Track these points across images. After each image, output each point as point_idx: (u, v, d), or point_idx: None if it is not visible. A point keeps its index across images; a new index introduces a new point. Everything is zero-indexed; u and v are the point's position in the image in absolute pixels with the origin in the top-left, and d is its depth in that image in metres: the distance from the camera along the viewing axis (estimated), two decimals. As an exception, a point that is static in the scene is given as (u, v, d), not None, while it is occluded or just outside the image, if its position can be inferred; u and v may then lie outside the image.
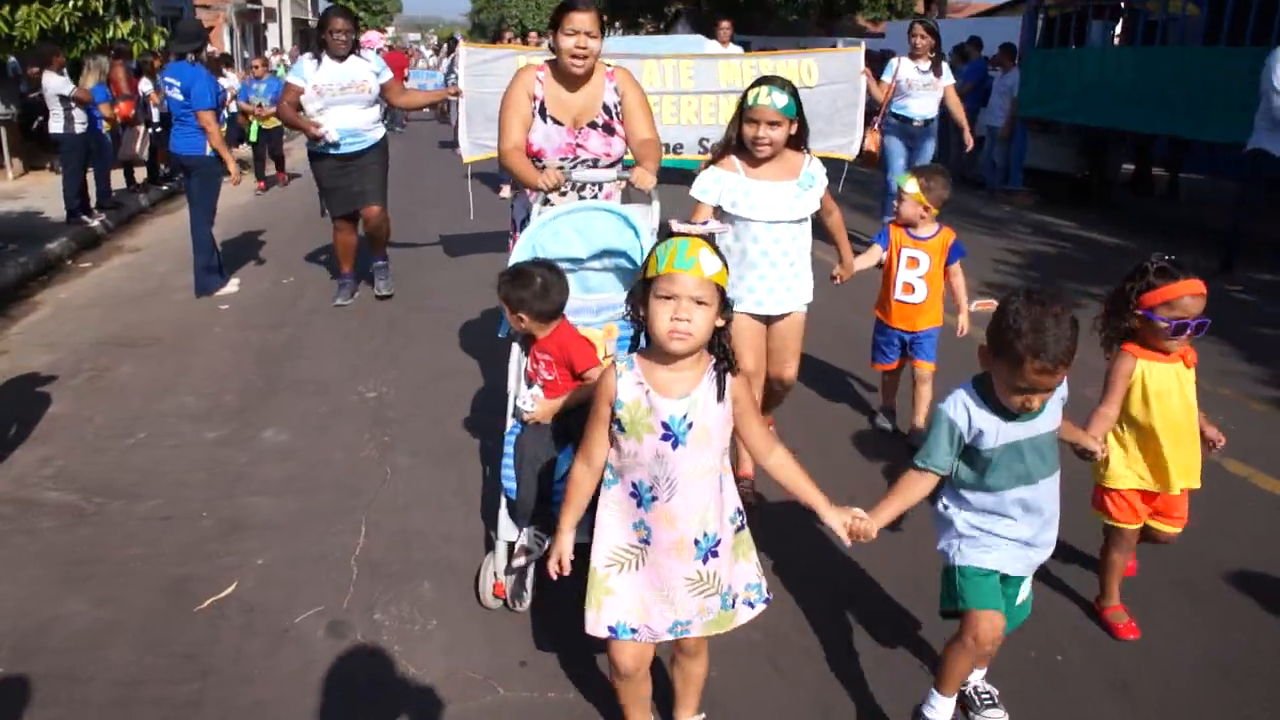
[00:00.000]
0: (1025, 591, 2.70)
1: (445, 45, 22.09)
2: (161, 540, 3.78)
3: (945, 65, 8.86)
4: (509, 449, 3.28)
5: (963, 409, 2.47)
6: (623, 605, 2.35)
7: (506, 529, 3.30)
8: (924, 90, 8.65)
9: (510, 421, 3.38)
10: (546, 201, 3.82)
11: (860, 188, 10.00)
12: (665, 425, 2.24)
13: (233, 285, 7.56)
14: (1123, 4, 11.82)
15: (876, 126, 8.66)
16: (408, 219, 9.49)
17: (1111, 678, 3.04)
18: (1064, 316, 2.27)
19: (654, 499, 2.29)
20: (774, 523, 3.79)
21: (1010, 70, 12.98)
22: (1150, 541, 3.29)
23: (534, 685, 2.95)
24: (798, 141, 3.83)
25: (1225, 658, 3.13)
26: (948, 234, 4.55)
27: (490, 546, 3.45)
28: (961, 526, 2.59)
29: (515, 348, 3.43)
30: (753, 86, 3.72)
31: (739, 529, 2.43)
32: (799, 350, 4.10)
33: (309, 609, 3.32)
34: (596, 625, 2.36)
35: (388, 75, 6.70)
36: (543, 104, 4.21)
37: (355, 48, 6.56)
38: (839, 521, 2.41)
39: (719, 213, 3.77)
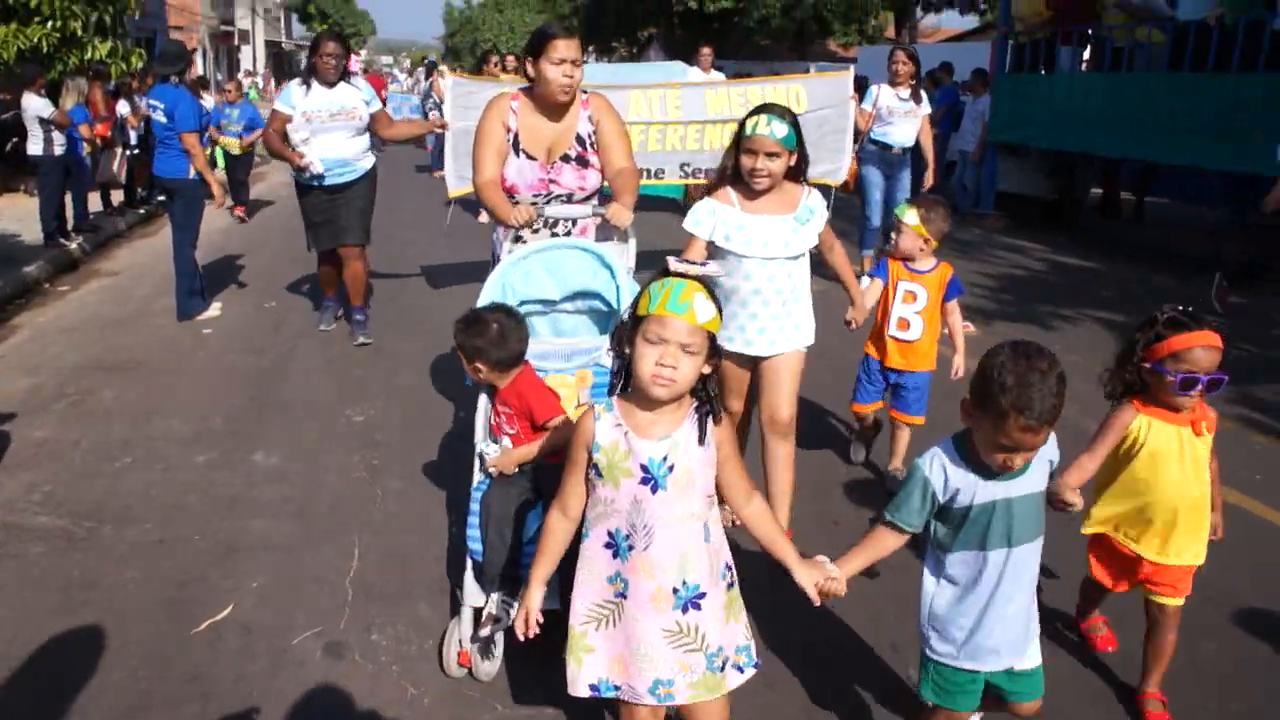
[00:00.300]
0: (1031, 663, 2.51)
1: (423, 68, 22.07)
2: (156, 563, 3.80)
3: (923, 93, 8.88)
4: (475, 506, 3.13)
5: (939, 468, 2.36)
6: (603, 662, 2.28)
7: (473, 594, 3.10)
8: (905, 118, 8.61)
9: (477, 476, 3.22)
10: (519, 239, 3.72)
11: (834, 212, 10.14)
12: (644, 468, 2.18)
13: (215, 309, 7.57)
14: (1090, 31, 12.09)
15: (854, 154, 8.54)
16: (387, 241, 9.54)
17: (1092, 688, 3.14)
18: (1050, 372, 2.17)
19: (631, 548, 2.21)
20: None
21: (982, 95, 13.22)
22: (1150, 619, 3.01)
23: (532, 702, 3.00)
24: (796, 173, 3.66)
25: (1200, 668, 3.23)
26: (946, 269, 4.37)
27: (456, 608, 3.29)
28: (931, 610, 2.49)
29: (482, 398, 3.29)
30: (751, 115, 3.55)
31: (730, 586, 2.35)
32: (794, 393, 3.82)
33: (306, 630, 3.35)
34: (577, 684, 2.29)
35: (378, 105, 6.56)
36: (516, 136, 4.10)
37: (345, 74, 6.43)
38: (809, 581, 2.34)
39: (711, 247, 3.65)
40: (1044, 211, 13.09)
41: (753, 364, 3.80)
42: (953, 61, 15.28)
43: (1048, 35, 12.32)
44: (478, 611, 3.09)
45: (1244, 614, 3.58)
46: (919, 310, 4.34)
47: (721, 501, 2.36)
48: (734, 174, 3.63)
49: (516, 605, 2.90)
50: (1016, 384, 2.14)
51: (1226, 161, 9.80)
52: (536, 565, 2.37)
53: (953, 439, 2.40)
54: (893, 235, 4.42)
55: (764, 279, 3.64)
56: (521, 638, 2.33)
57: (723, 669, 2.28)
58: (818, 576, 2.36)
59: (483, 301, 3.32)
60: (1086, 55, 12.58)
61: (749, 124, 3.52)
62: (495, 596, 3.04)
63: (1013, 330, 7.44)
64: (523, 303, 3.42)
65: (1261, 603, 3.67)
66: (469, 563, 3.12)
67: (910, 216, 4.30)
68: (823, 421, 5.40)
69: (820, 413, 5.49)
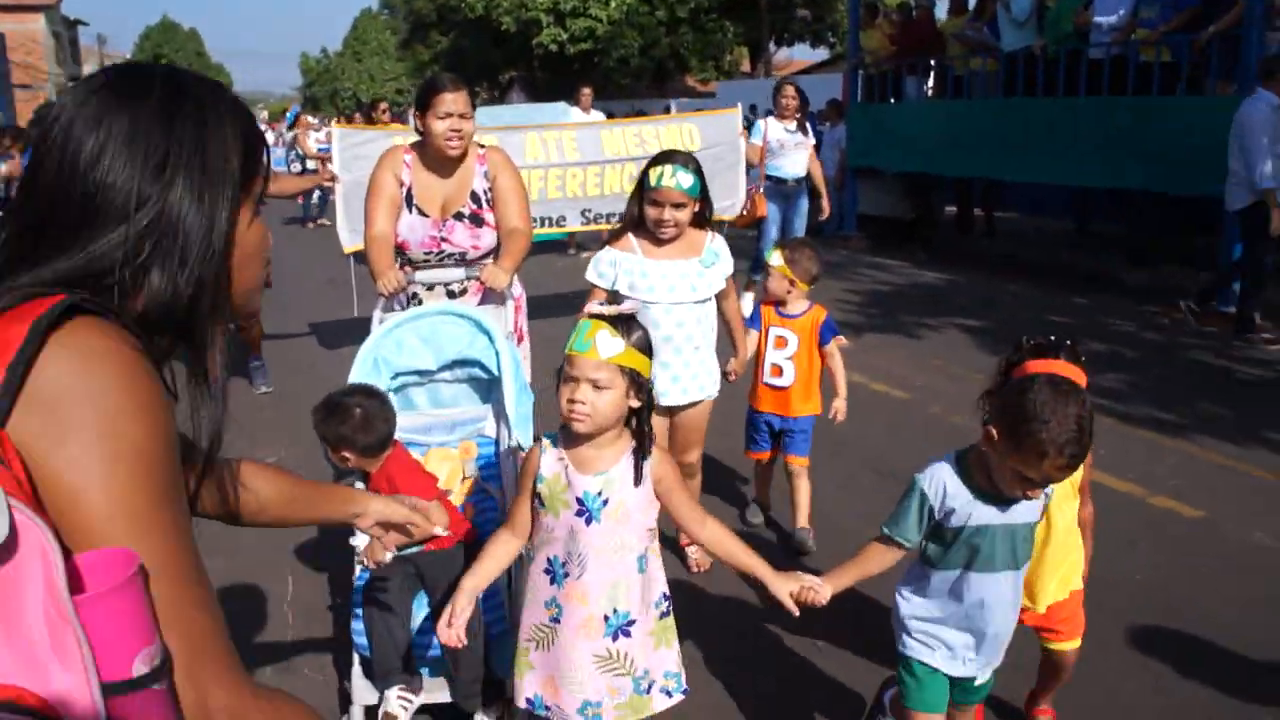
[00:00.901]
0: (987, 675, 2.54)
1: (286, 120, 21.68)
2: (91, 607, 3.86)
3: (808, 125, 9.13)
4: (357, 597, 3.03)
5: (939, 483, 2.34)
6: (538, 680, 2.39)
7: (363, 692, 2.97)
8: (795, 149, 8.84)
9: (356, 570, 3.08)
10: (415, 297, 3.60)
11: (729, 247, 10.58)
12: (580, 501, 2.28)
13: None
14: (932, 62, 12.97)
15: (760, 190, 8.64)
16: (275, 292, 9.53)
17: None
18: (1086, 407, 2.17)
19: (567, 575, 2.31)
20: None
21: (838, 124, 14.00)
22: (1045, 657, 2.96)
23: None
24: (700, 218, 3.60)
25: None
26: (819, 312, 4.21)
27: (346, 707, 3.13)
28: (909, 612, 2.49)
29: (359, 485, 3.09)
30: (654, 164, 3.47)
31: (663, 615, 2.44)
32: (703, 437, 3.92)
33: (252, 655, 3.48)
34: (519, 695, 2.43)
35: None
36: (409, 191, 3.98)
37: None
38: (785, 591, 2.33)
39: (615, 297, 3.45)
40: (903, 230, 13.90)
41: (667, 413, 3.74)
42: (807, 93, 16.02)
43: (894, 67, 13.17)
44: (370, 710, 2.98)
45: (1103, 582, 3.96)
46: (790, 355, 4.19)
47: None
48: (638, 221, 3.57)
49: (415, 701, 2.92)
50: (1058, 423, 2.13)
51: (1059, 175, 10.72)
52: (468, 575, 2.40)
53: (955, 457, 2.39)
54: (761, 279, 4.35)
55: (672, 325, 3.57)
56: (446, 641, 2.35)
57: (649, 691, 2.40)
58: (793, 585, 2.35)
59: (353, 377, 3.16)
60: (931, 84, 13.48)
61: (653, 174, 3.46)
62: (391, 692, 2.89)
63: (880, 341, 7.97)
64: (397, 374, 3.29)
65: (1125, 567, 4.01)
66: (355, 658, 3.02)
67: (775, 258, 4.21)
68: (714, 472, 5.06)
69: (710, 464, 4.90)
